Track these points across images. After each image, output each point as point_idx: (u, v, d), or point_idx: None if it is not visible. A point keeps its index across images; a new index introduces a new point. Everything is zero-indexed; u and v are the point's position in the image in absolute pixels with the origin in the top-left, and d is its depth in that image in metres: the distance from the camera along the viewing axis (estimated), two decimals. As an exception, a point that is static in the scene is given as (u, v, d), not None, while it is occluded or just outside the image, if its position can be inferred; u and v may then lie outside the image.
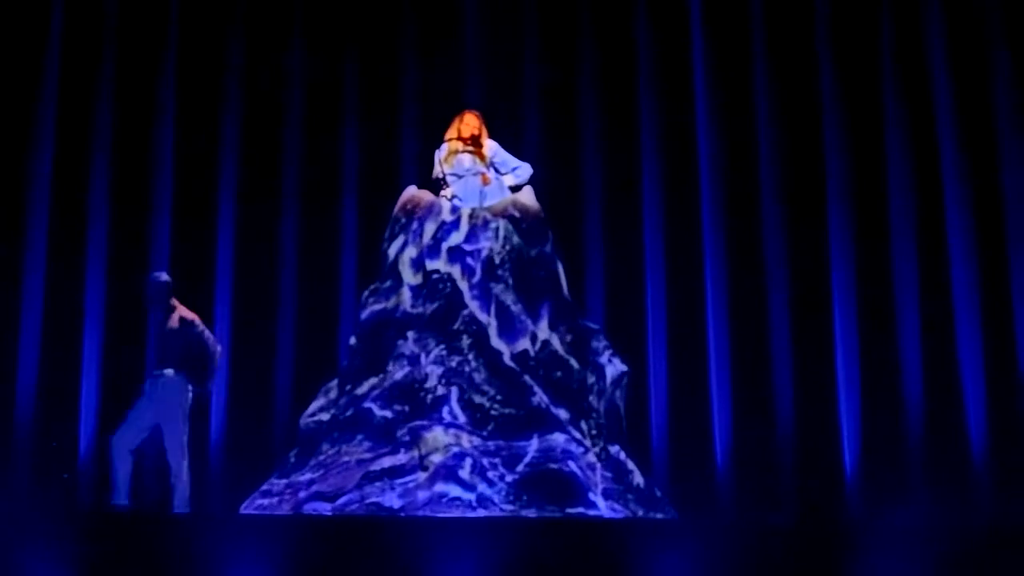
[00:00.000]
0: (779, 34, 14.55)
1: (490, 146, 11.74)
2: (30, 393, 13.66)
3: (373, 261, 12.01)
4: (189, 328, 11.29)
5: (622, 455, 10.72)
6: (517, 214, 11.28)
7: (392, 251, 11.34)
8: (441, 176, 11.66)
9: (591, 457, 10.50)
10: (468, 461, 10.19)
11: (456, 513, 9.91)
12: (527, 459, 10.27)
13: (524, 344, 10.85)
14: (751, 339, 14.02)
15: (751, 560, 9.09)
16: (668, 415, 13.92)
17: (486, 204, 11.40)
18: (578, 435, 10.56)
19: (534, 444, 10.37)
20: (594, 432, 10.71)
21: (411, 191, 11.60)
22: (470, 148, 11.64)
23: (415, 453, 10.30)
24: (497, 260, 11.06)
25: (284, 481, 10.70)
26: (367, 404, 10.71)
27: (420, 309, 11.00)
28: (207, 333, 11.40)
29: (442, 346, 10.79)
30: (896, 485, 13.43)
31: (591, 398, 10.94)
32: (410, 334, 10.92)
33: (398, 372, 10.79)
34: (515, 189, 11.61)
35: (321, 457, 10.66)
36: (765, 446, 13.73)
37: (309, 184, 14.38)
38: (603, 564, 9.04)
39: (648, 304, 14.18)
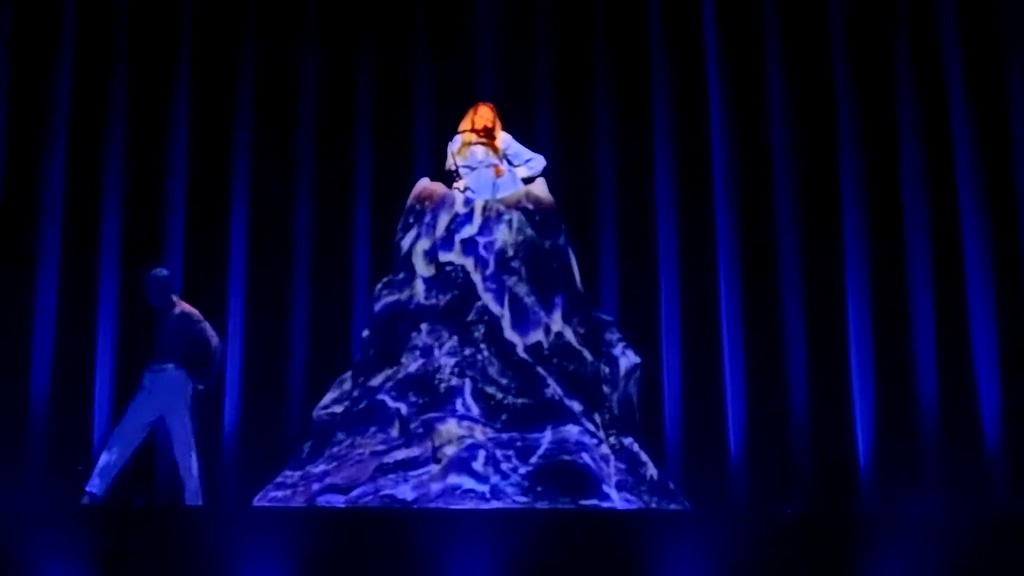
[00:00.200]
0: (793, 26, 14.52)
1: (503, 138, 11.75)
2: (44, 387, 13.67)
3: (386, 253, 12.01)
4: (189, 323, 11.29)
5: (635, 447, 10.71)
6: (530, 206, 11.28)
7: (405, 243, 11.35)
8: (454, 168, 11.66)
9: (604, 449, 10.50)
10: (481, 453, 10.19)
11: (469, 505, 9.91)
12: (540, 451, 10.26)
13: (537, 336, 10.84)
14: (764, 330, 14.01)
15: (764, 552, 9.08)
16: (681, 407, 13.91)
17: (499, 196, 11.41)
18: (591, 427, 10.56)
19: (547, 436, 10.37)
20: (607, 424, 10.71)
21: (424, 183, 11.60)
22: (483, 140, 11.65)
23: (428, 445, 10.30)
24: (510, 252, 11.06)
25: (297, 473, 10.71)
26: (381, 396, 10.71)
27: (433, 301, 11.00)
28: (208, 329, 11.38)
29: (455, 338, 10.80)
30: (909, 477, 13.42)
31: (604, 390, 10.94)
32: (423, 326, 10.92)
33: (412, 364, 10.79)
34: (528, 181, 11.61)
35: (335, 449, 10.66)
36: (778, 438, 13.72)
37: (322, 177, 14.39)
38: (617, 556, 9.03)
39: (661, 296, 14.17)
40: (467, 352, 10.72)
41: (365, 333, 11.42)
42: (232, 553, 8.90)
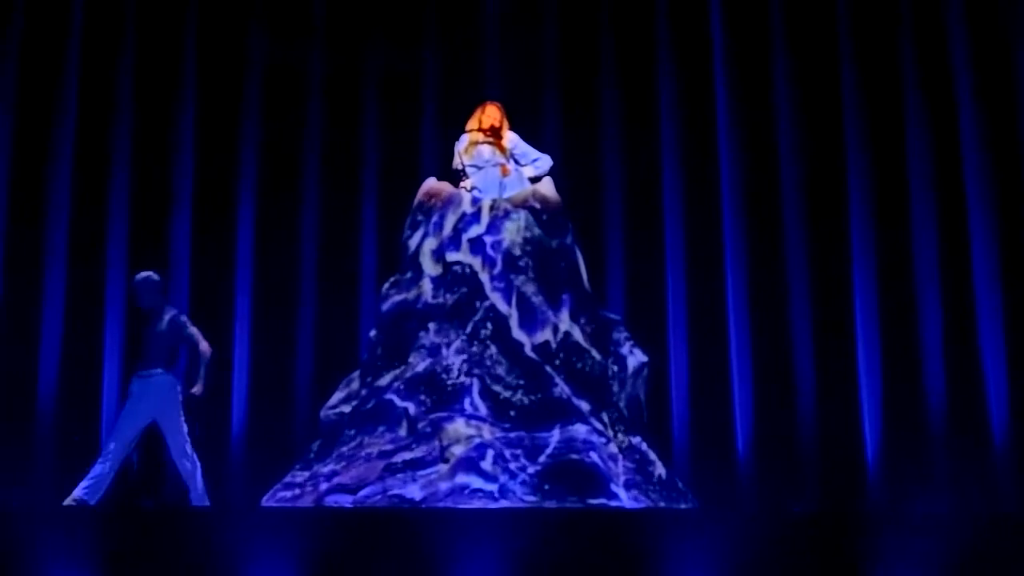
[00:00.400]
0: (800, 25, 14.51)
1: (510, 137, 11.75)
2: (51, 387, 13.69)
3: (394, 252, 12.02)
4: (178, 328, 11.27)
5: (643, 446, 10.72)
6: (537, 205, 11.28)
7: (413, 242, 11.35)
8: (461, 167, 11.67)
9: (613, 448, 10.50)
10: (490, 452, 10.18)
11: (478, 504, 9.90)
12: (549, 450, 10.26)
13: (545, 335, 10.84)
14: (772, 329, 14.00)
15: (773, 550, 9.08)
16: (689, 405, 13.91)
17: (506, 195, 11.41)
18: (600, 426, 10.56)
19: (556, 435, 10.36)
20: (615, 423, 10.72)
21: (431, 182, 11.61)
22: (490, 139, 11.64)
23: (437, 444, 10.30)
24: (518, 251, 11.06)
25: (306, 473, 10.72)
26: (388, 396, 10.71)
27: (441, 300, 11.00)
28: (197, 333, 11.34)
29: (463, 337, 10.80)
30: (917, 475, 13.41)
31: (612, 389, 10.95)
32: (431, 325, 10.92)
33: (419, 364, 10.79)
34: (535, 180, 11.61)
35: (343, 449, 10.67)
36: (786, 436, 13.71)
37: (329, 176, 14.39)
38: (625, 555, 9.04)
39: (669, 295, 14.16)
40: (475, 351, 10.72)
41: (373, 332, 11.42)
42: (240, 553, 8.92)
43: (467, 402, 10.49)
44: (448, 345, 10.80)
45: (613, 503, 10.09)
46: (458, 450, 10.20)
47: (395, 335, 11.09)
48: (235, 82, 14.49)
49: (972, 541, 9.13)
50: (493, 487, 10.03)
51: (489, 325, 10.81)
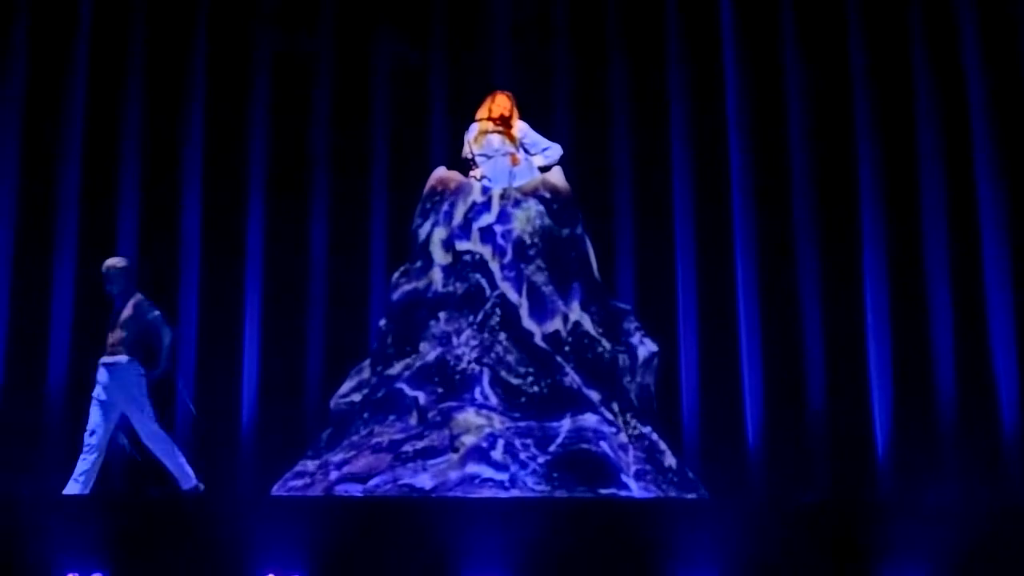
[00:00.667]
0: (810, 14, 14.48)
1: (520, 127, 11.73)
2: (60, 378, 13.70)
3: (404, 242, 12.01)
4: (142, 312, 11.24)
5: (654, 435, 10.71)
6: (547, 195, 11.26)
7: (423, 232, 11.34)
8: (471, 156, 11.65)
9: (623, 438, 10.50)
10: (500, 442, 10.19)
11: (488, 494, 9.91)
12: (559, 440, 10.26)
13: (555, 324, 10.84)
14: (782, 318, 13.99)
15: (782, 540, 9.09)
16: (699, 395, 13.90)
17: (516, 184, 11.39)
18: (610, 416, 10.56)
19: (566, 425, 10.36)
20: (626, 413, 10.71)
21: (441, 172, 11.59)
22: (500, 128, 11.62)
23: (447, 434, 10.30)
24: (528, 241, 11.04)
25: (316, 462, 10.72)
26: (399, 385, 10.71)
27: (451, 289, 10.99)
28: (161, 317, 11.31)
29: (474, 326, 10.79)
30: (927, 465, 13.41)
31: (623, 378, 10.94)
32: (441, 315, 10.92)
33: (430, 353, 10.79)
34: (545, 170, 11.59)
35: (353, 438, 10.67)
36: (796, 426, 13.71)
37: (339, 165, 14.39)
38: (635, 545, 9.04)
39: (679, 284, 14.15)
40: (485, 340, 10.72)
41: (383, 322, 11.42)
42: (251, 542, 8.93)
43: (477, 391, 10.49)
44: (458, 334, 10.79)
45: (623, 493, 10.09)
46: (468, 439, 10.21)
47: (405, 324, 11.09)
48: (244, 73, 14.48)
49: (981, 532, 9.13)
50: (503, 476, 10.03)
51: (499, 314, 10.80)
